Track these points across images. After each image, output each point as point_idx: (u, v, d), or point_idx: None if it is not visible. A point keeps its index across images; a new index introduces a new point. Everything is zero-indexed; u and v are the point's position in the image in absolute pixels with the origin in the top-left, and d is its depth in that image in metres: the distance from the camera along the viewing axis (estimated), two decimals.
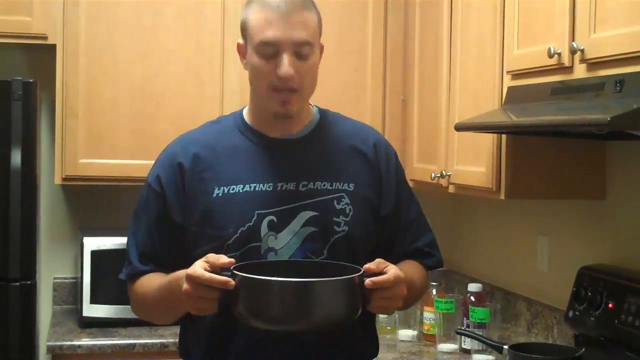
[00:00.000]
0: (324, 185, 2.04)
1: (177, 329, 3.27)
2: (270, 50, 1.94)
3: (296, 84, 1.96)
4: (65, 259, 3.76)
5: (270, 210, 2.00)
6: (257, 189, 2.01)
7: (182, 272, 1.88)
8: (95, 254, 3.34)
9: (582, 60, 2.28)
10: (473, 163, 2.93)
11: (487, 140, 2.81)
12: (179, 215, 2.04)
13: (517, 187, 2.75)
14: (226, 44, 3.50)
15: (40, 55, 3.57)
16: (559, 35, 2.38)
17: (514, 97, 2.64)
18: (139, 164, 3.43)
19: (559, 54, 2.36)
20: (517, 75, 2.65)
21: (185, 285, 1.83)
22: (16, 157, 3.09)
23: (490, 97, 2.80)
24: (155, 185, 2.07)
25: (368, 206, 2.09)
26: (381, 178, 2.12)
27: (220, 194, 2.00)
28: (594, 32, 2.24)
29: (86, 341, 3.19)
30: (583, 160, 2.84)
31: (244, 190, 2.00)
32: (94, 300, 3.33)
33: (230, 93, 3.51)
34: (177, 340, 3.17)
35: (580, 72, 2.32)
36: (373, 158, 2.13)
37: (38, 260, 3.30)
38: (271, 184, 2.01)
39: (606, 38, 2.20)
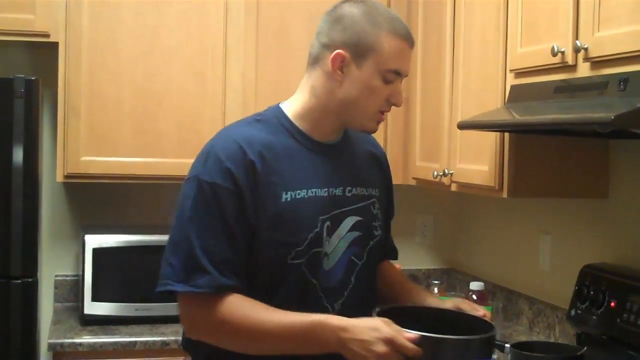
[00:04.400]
0: (362, 190, 2.11)
1: (179, 327, 3.29)
2: (394, 78, 2.00)
3: None
4: (66, 256, 3.76)
5: (327, 215, 2.02)
6: (317, 194, 2.01)
7: (334, 320, 1.87)
8: (96, 252, 3.34)
9: (586, 59, 2.28)
10: (476, 161, 2.93)
11: (490, 138, 2.80)
12: (253, 218, 1.93)
13: (519, 186, 2.75)
14: (229, 42, 3.50)
15: (43, 53, 3.57)
16: (562, 34, 2.38)
17: (517, 96, 2.64)
18: (141, 162, 3.44)
19: (563, 53, 2.36)
20: (520, 73, 2.65)
21: (381, 348, 1.81)
22: (18, 155, 3.08)
23: (493, 95, 2.80)
24: (227, 182, 1.92)
25: (385, 211, 2.21)
26: (390, 183, 2.27)
27: (288, 199, 1.96)
28: (598, 31, 2.24)
29: (87, 339, 3.18)
30: (586, 159, 2.84)
31: (308, 195, 1.99)
32: (95, 297, 3.33)
33: (232, 91, 3.51)
34: (180, 337, 3.17)
35: (583, 70, 2.31)
36: (384, 163, 2.27)
37: (39, 258, 3.30)
38: (325, 189, 2.03)
39: (610, 37, 2.19)
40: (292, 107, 2.07)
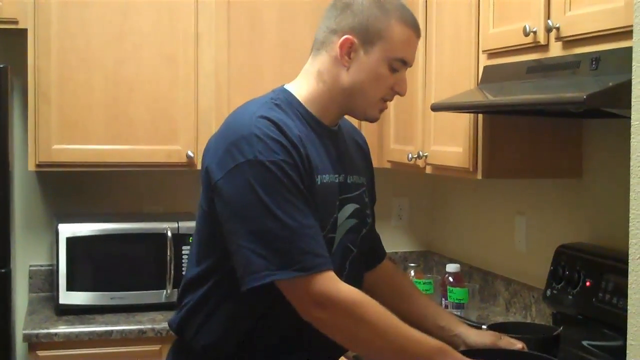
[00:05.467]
0: (357, 178, 2.12)
1: (156, 315, 3.30)
2: (400, 67, 2.00)
3: None
4: (40, 246, 3.73)
5: (338, 199, 2.02)
6: (332, 180, 2.01)
7: (455, 354, 1.91)
8: (70, 241, 3.31)
9: (558, 39, 2.28)
10: (450, 143, 2.93)
11: (464, 120, 2.80)
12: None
13: (494, 167, 2.75)
14: (200, 27, 3.47)
15: (11, 40, 3.52)
16: (534, 14, 2.37)
17: (490, 77, 2.63)
18: (113, 149, 3.41)
19: (535, 33, 2.36)
20: (493, 54, 2.64)
21: None
22: None
23: (466, 76, 2.79)
24: (287, 157, 1.86)
25: (370, 198, 2.22)
26: (372, 171, 2.29)
27: (319, 183, 1.95)
28: (570, 10, 2.24)
29: (63, 329, 3.16)
30: (560, 139, 2.84)
31: (330, 180, 1.99)
32: (70, 287, 3.30)
33: (204, 76, 3.49)
34: (156, 325, 3.16)
35: (556, 50, 2.31)
36: (367, 152, 2.29)
37: (13, 248, 3.27)
38: (336, 175, 2.03)
39: (582, 16, 2.19)
40: (302, 92, 2.04)
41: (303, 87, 2.04)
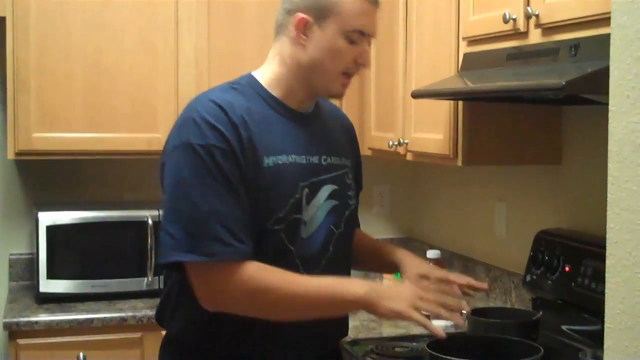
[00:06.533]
0: (337, 160, 2.12)
1: (137, 303, 3.29)
2: (358, 38, 1.99)
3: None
4: (20, 234, 3.71)
5: (306, 182, 2.02)
6: (296, 160, 2.01)
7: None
8: (50, 229, 3.30)
9: (537, 25, 2.29)
10: (430, 130, 2.94)
11: (444, 107, 2.81)
12: (244, 178, 1.92)
13: (474, 154, 2.76)
14: (180, 15, 3.46)
15: None
16: (514, 1, 2.38)
17: (470, 64, 2.64)
18: (93, 137, 3.40)
19: (514, 20, 2.37)
20: (473, 41, 2.65)
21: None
22: None
23: (446, 64, 2.80)
24: (221, 143, 1.89)
25: (355, 182, 2.22)
26: (358, 154, 2.30)
27: (270, 164, 1.95)
28: None
29: (44, 317, 3.15)
30: (540, 126, 2.86)
31: (289, 161, 1.99)
32: (51, 275, 3.30)
33: (185, 65, 3.48)
34: (137, 313, 3.16)
35: (535, 37, 2.32)
36: (354, 136, 2.29)
37: None
38: (304, 156, 2.03)
39: (561, 3, 2.20)
40: (264, 76, 2.07)
41: (267, 71, 2.07)
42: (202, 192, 1.86)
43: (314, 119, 2.11)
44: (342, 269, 2.12)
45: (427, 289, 2.00)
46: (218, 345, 2.00)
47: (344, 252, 2.13)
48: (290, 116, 2.05)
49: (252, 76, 2.08)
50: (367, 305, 1.92)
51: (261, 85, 2.05)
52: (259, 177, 1.93)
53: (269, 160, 1.95)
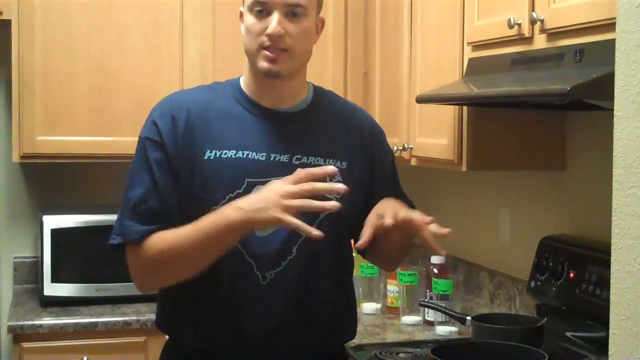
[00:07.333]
0: (318, 160, 2.04)
1: (140, 307, 3.29)
2: (262, 10, 1.97)
3: (285, 44, 1.98)
4: (25, 237, 3.71)
5: (261, 179, 1.96)
6: (249, 156, 1.99)
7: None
8: (55, 232, 3.30)
9: (542, 31, 2.28)
10: (435, 135, 2.93)
11: (449, 112, 2.80)
12: (177, 167, 1.99)
13: (478, 159, 2.76)
14: (185, 17, 3.47)
15: None
16: (519, 6, 2.38)
17: (475, 69, 2.64)
18: (98, 141, 3.40)
19: (519, 25, 2.36)
20: (477, 46, 2.65)
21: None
22: None
23: (451, 68, 2.80)
24: (153, 135, 2.01)
25: (360, 187, 2.08)
26: (374, 161, 2.17)
27: (212, 157, 1.98)
28: (554, 2, 2.25)
29: (48, 320, 3.15)
30: (544, 132, 2.85)
31: (236, 156, 1.99)
32: (55, 279, 3.30)
33: (189, 68, 3.48)
34: (141, 317, 3.17)
35: (540, 42, 2.32)
36: (368, 140, 2.17)
37: None
38: (264, 153, 2.01)
39: (566, 8, 2.20)
40: (243, 77, 2.11)
41: (245, 73, 2.11)
42: (132, 180, 2.02)
43: (299, 117, 2.08)
44: (309, 274, 2.02)
45: (287, 180, 1.86)
46: (221, 350, 2.00)
47: (314, 257, 2.02)
48: (261, 115, 2.05)
49: (237, 79, 2.13)
50: (243, 224, 1.86)
51: (239, 85, 2.10)
52: (196, 168, 1.98)
53: (211, 154, 1.98)
